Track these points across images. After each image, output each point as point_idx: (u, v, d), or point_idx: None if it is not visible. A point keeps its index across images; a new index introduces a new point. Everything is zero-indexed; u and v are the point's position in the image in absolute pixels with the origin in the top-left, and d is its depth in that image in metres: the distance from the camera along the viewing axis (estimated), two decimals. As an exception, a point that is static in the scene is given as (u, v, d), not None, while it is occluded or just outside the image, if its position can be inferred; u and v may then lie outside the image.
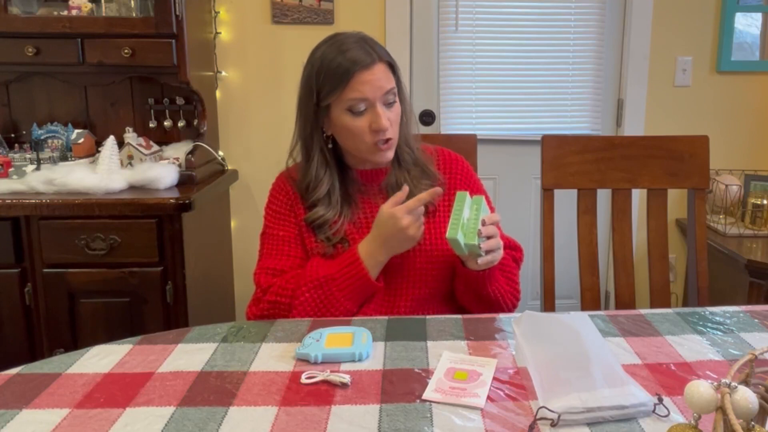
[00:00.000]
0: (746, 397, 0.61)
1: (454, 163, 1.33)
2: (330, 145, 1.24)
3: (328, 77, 1.16)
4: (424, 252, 1.22)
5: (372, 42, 1.20)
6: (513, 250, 1.33)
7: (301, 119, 1.24)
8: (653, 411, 0.80)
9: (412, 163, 1.28)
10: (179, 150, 2.17)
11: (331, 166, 1.24)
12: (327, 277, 1.15)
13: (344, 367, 0.93)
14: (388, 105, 1.19)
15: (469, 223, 1.09)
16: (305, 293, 1.15)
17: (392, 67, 1.21)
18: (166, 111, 2.34)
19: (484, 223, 1.10)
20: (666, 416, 0.79)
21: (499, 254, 1.15)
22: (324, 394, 0.86)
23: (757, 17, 2.56)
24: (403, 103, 1.25)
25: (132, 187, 1.96)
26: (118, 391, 0.87)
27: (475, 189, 1.32)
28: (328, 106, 1.19)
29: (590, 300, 1.54)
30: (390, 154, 1.23)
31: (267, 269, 1.22)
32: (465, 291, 1.22)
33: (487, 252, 1.11)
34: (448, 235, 1.06)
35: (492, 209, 1.25)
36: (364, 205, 1.26)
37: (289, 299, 1.16)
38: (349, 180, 1.27)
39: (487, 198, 1.25)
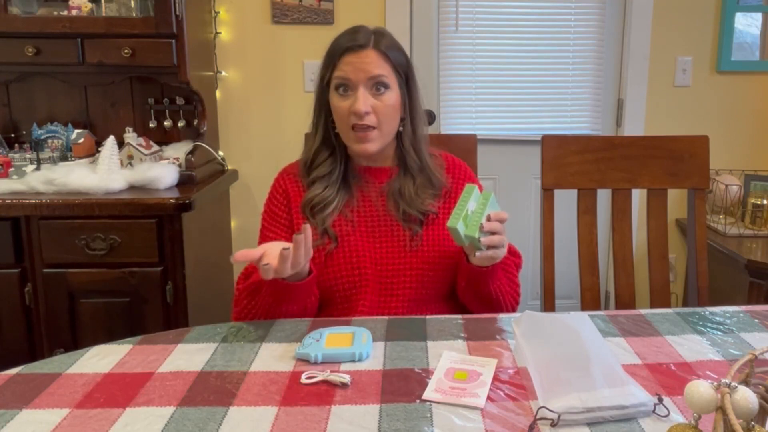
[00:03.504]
0: (746, 397, 0.61)
1: (457, 169, 1.34)
2: (335, 130, 1.26)
3: (327, 56, 1.24)
4: (421, 254, 1.22)
5: (381, 33, 1.23)
6: (513, 256, 1.32)
7: (315, 96, 1.29)
8: (653, 411, 0.80)
9: (419, 171, 1.27)
10: (179, 150, 2.17)
11: (336, 151, 1.26)
12: (253, 283, 1.15)
13: (344, 367, 0.93)
14: (376, 93, 1.20)
15: (473, 216, 1.09)
16: (242, 301, 1.17)
17: (390, 59, 1.21)
18: (166, 111, 2.34)
19: (489, 219, 1.10)
20: (666, 416, 0.79)
21: (502, 252, 1.13)
22: (324, 394, 0.86)
23: (757, 17, 2.56)
24: (413, 109, 1.26)
25: (132, 187, 1.96)
26: (118, 391, 0.87)
27: None
28: (327, 85, 1.24)
29: (590, 300, 1.54)
30: (370, 147, 1.21)
31: (247, 271, 1.23)
32: (466, 288, 1.22)
33: (489, 247, 1.10)
34: (449, 223, 1.06)
35: None
36: (363, 202, 1.26)
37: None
38: (351, 172, 1.28)
39: None
